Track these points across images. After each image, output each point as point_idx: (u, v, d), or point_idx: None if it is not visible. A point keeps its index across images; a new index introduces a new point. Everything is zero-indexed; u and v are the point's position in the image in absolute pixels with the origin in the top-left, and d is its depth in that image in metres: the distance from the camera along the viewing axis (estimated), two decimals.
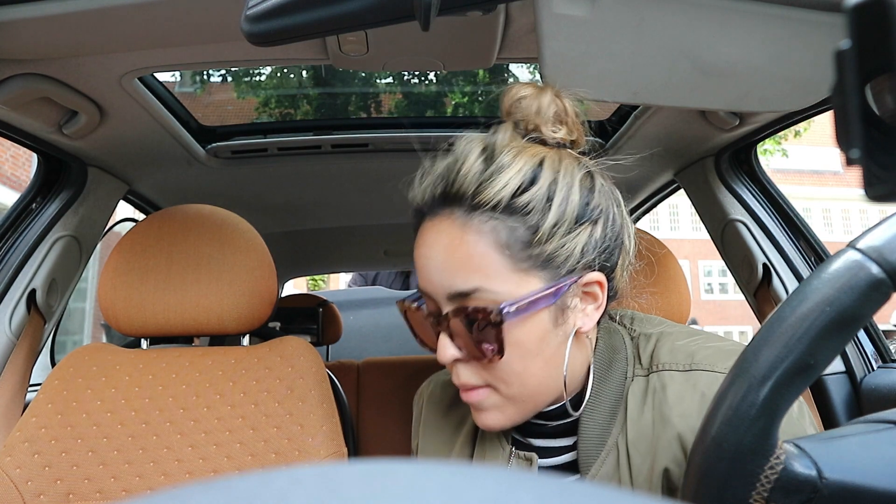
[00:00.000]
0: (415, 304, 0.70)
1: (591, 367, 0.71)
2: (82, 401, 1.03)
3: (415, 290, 0.72)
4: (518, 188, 0.62)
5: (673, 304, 1.11)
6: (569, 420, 0.70)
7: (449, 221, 0.63)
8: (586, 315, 0.67)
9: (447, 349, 0.65)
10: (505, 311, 0.60)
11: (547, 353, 0.65)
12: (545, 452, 0.73)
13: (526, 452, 0.72)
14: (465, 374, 0.66)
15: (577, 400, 0.71)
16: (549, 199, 0.62)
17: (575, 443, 0.70)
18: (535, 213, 0.62)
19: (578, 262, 0.64)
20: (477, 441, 0.77)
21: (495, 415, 0.67)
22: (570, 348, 0.66)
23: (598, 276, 0.66)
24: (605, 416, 0.69)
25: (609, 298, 0.69)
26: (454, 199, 0.64)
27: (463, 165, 0.64)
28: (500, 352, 0.62)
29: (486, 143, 0.65)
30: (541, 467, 0.72)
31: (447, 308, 0.64)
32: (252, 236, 1.13)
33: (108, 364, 1.08)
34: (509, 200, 0.61)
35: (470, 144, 0.65)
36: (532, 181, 0.62)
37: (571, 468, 0.71)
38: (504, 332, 0.61)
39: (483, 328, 0.61)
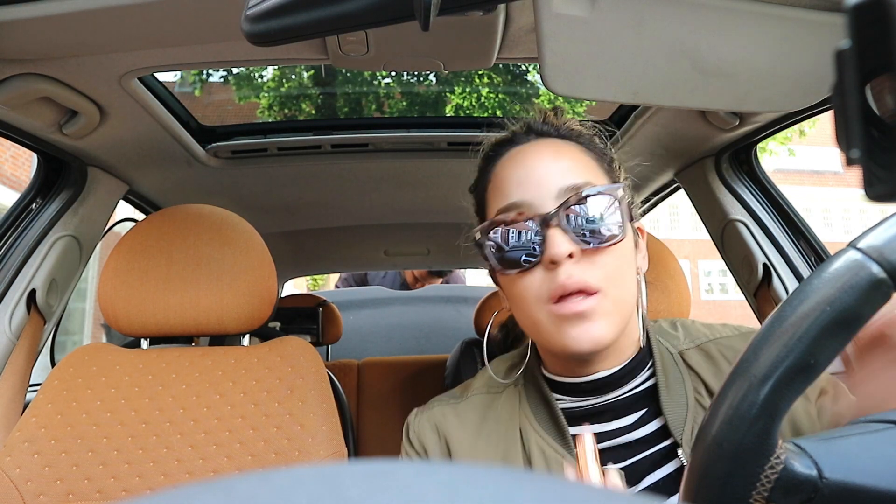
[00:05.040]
0: (517, 214, 0.70)
1: (649, 336, 0.76)
2: (82, 401, 1.03)
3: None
4: (589, 130, 0.78)
5: (673, 304, 1.11)
6: (636, 391, 0.72)
7: (547, 141, 0.75)
8: (643, 257, 0.77)
9: (562, 244, 0.65)
10: (620, 191, 0.70)
11: (633, 269, 0.72)
12: (600, 438, 0.70)
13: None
14: (579, 273, 0.66)
15: (631, 369, 0.72)
16: (606, 143, 0.79)
17: (639, 419, 0.71)
18: (606, 149, 0.78)
19: (632, 205, 0.74)
20: (532, 459, 0.71)
21: (602, 324, 0.66)
22: (642, 286, 0.75)
23: (639, 223, 0.77)
24: (675, 381, 0.72)
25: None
26: (544, 132, 0.76)
27: (545, 112, 0.78)
28: (622, 231, 0.68)
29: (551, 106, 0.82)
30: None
31: (557, 203, 0.68)
32: (252, 236, 1.13)
33: (108, 364, 1.08)
34: (588, 137, 0.77)
35: (539, 105, 0.81)
36: (593, 130, 0.79)
37: (634, 446, 0.70)
38: (623, 211, 0.69)
39: (603, 210, 0.68)
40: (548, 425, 0.73)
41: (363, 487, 0.16)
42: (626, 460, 0.69)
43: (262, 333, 1.27)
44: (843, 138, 0.28)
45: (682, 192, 1.60)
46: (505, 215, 0.70)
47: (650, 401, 0.71)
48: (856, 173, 0.28)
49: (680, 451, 0.67)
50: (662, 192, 1.70)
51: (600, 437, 0.70)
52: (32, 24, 0.81)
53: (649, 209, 1.86)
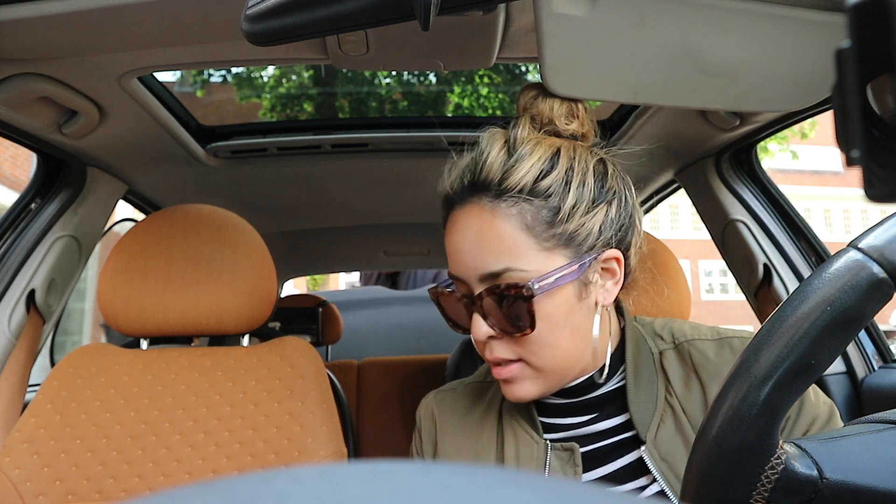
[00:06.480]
0: (448, 289, 0.75)
1: (626, 338, 0.77)
2: (82, 401, 1.03)
3: (445, 279, 0.78)
4: (539, 174, 0.68)
5: (673, 304, 1.11)
6: (608, 390, 0.75)
7: (478, 208, 0.69)
8: (606, 290, 0.73)
9: (481, 327, 0.69)
10: (535, 286, 0.66)
11: (573, 325, 0.70)
12: (566, 428, 0.77)
13: (564, 443, 0.75)
14: (499, 350, 0.70)
15: (601, 373, 0.76)
16: (567, 183, 0.69)
17: (606, 412, 0.76)
18: (556, 195, 0.68)
19: (597, 240, 0.70)
20: (505, 440, 0.78)
21: (527, 385, 0.71)
22: (597, 321, 0.72)
23: (615, 252, 0.72)
24: (647, 382, 0.75)
25: (625, 276, 0.75)
26: (481, 187, 0.70)
27: (488, 157, 0.70)
28: (532, 325, 0.68)
29: (507, 136, 0.72)
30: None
31: (479, 289, 0.69)
32: (252, 236, 1.13)
33: (108, 364, 1.07)
34: (532, 185, 0.68)
35: (493, 138, 0.72)
36: (551, 168, 0.69)
37: (599, 436, 0.75)
38: (534, 306, 0.67)
39: (514, 304, 0.67)
40: (523, 411, 0.79)
41: (363, 487, 0.16)
42: (587, 446, 0.75)
43: (262, 333, 1.27)
44: (844, 138, 0.28)
45: (682, 191, 1.60)
46: (454, 279, 0.74)
47: (620, 398, 0.76)
48: (856, 173, 0.28)
49: (643, 447, 0.72)
50: (662, 192, 1.70)
51: (568, 426, 0.76)
52: (32, 24, 0.81)
53: (649, 209, 1.86)
